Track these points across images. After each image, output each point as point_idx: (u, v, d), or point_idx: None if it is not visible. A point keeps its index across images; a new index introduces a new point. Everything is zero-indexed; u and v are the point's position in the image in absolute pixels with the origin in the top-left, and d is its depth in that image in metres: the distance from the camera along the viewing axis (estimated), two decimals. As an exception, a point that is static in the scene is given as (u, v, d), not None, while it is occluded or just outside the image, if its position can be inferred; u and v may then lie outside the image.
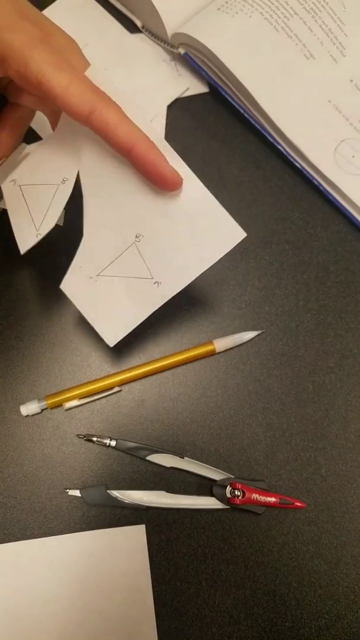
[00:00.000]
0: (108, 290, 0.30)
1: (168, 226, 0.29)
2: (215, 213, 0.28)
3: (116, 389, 0.35)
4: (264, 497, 0.33)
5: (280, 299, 0.39)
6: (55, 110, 0.29)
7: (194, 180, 0.28)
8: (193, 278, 0.29)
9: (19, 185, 0.31)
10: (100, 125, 0.25)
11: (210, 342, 0.36)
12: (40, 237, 0.29)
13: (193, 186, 0.28)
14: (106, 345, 0.30)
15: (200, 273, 0.29)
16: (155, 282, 0.30)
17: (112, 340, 0.30)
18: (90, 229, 0.30)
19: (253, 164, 0.42)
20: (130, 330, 0.30)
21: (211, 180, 0.41)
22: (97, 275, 0.30)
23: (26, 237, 0.30)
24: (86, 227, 0.30)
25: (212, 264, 0.29)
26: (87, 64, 0.27)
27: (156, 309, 0.30)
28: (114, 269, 0.30)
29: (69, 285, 0.30)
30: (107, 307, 0.30)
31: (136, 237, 0.29)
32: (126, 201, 0.29)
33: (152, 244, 0.29)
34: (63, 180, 0.29)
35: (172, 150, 0.27)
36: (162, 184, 0.27)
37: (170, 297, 0.30)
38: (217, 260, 0.29)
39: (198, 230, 0.29)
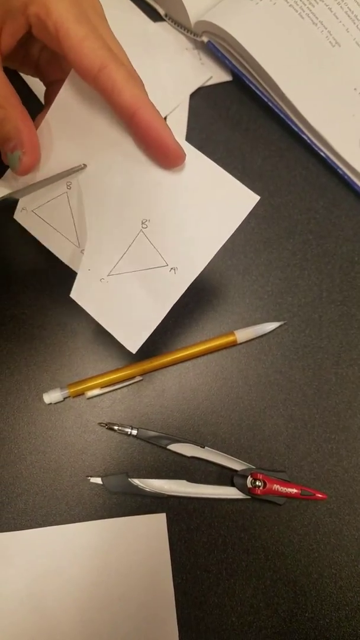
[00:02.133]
0: (122, 289, 0.28)
1: (175, 204, 0.26)
2: (222, 181, 0.26)
3: (137, 378, 0.35)
4: (285, 488, 0.33)
5: (303, 290, 0.38)
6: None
7: (197, 154, 0.26)
8: (212, 255, 0.26)
9: (32, 211, 0.29)
10: (107, 84, 0.23)
11: (231, 333, 0.36)
12: (85, 252, 0.28)
13: (196, 160, 0.26)
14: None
15: (219, 248, 0.26)
16: (171, 268, 0.27)
17: (134, 346, 0.28)
18: (93, 226, 0.28)
19: (277, 153, 0.42)
20: (152, 331, 0.28)
21: (234, 169, 0.41)
22: (108, 275, 0.28)
23: (72, 258, 0.28)
24: (88, 224, 0.28)
25: (229, 235, 0.26)
26: (107, 27, 0.26)
27: (177, 299, 0.27)
28: (125, 264, 0.28)
29: (79, 292, 0.28)
30: (124, 309, 0.28)
31: (142, 223, 0.27)
32: (125, 185, 0.27)
33: (161, 227, 0.27)
34: (68, 185, 0.28)
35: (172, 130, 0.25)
36: (164, 155, 0.25)
37: (190, 282, 0.27)
38: (234, 230, 0.26)
39: (207, 202, 0.26)
